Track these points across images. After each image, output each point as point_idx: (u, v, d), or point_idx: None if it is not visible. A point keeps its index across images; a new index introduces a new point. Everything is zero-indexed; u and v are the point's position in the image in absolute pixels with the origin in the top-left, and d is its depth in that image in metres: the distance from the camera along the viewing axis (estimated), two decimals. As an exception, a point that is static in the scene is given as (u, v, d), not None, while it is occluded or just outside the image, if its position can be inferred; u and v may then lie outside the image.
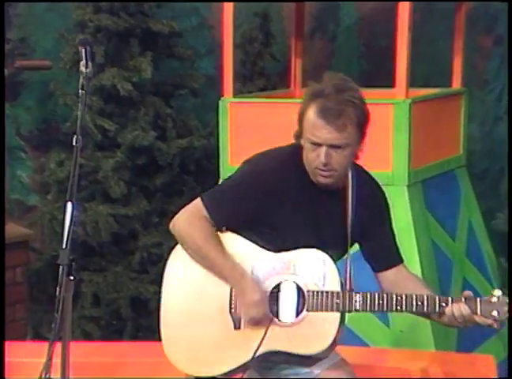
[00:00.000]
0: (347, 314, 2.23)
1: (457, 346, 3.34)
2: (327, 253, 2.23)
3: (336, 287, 2.21)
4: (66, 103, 4.41)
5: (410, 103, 3.35)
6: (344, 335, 3.04)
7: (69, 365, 2.04)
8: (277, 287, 2.23)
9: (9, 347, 2.76)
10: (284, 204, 2.24)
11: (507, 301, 2.15)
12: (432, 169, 3.56)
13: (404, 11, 3.31)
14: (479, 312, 2.14)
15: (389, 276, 2.33)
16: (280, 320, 2.21)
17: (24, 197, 4.89)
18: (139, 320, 4.38)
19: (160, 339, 2.27)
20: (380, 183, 3.24)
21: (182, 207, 2.31)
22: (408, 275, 2.35)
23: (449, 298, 2.19)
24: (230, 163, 3.64)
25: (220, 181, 2.44)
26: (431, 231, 3.45)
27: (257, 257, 2.24)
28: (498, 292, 2.16)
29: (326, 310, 2.19)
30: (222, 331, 2.25)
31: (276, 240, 2.23)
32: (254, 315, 2.20)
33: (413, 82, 3.47)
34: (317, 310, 2.20)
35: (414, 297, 2.19)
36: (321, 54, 4.69)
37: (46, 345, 1.98)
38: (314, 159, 2.21)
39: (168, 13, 4.78)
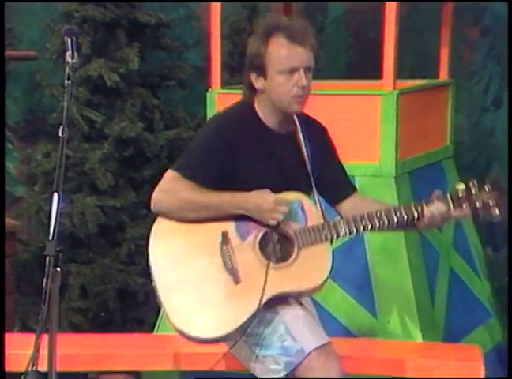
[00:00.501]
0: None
1: (444, 336, 3.35)
2: (292, 189, 2.33)
3: (319, 220, 2.33)
4: (53, 93, 4.38)
5: (397, 94, 3.35)
6: (331, 326, 3.06)
7: (56, 356, 2.03)
8: (264, 237, 2.31)
9: (-4, 338, 2.75)
10: (248, 154, 2.32)
11: (473, 191, 2.29)
12: (419, 160, 3.56)
13: (391, 2, 3.30)
14: (451, 207, 2.31)
15: (348, 205, 2.46)
16: (277, 263, 2.27)
17: (11, 188, 4.85)
18: (127, 311, 4.37)
19: (148, 331, 2.27)
20: (367, 174, 3.31)
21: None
22: (365, 199, 2.50)
23: (422, 203, 2.31)
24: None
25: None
26: (418, 222, 3.45)
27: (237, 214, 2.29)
28: (461, 186, 2.31)
29: (316, 243, 2.30)
30: (224, 289, 2.28)
31: (248, 191, 2.28)
32: (280, 213, 2.25)
33: (400, 73, 3.46)
34: (308, 245, 2.29)
35: (392, 210, 2.31)
36: (308, 45, 4.68)
37: (33, 337, 1.98)
38: (290, 88, 2.29)
39: (155, 4, 4.75)
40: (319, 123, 2.55)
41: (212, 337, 2.31)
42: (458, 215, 2.33)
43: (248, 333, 2.33)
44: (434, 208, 2.30)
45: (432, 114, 3.69)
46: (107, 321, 4.34)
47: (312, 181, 2.40)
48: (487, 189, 2.31)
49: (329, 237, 2.32)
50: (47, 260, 2.05)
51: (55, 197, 2.11)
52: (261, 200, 2.28)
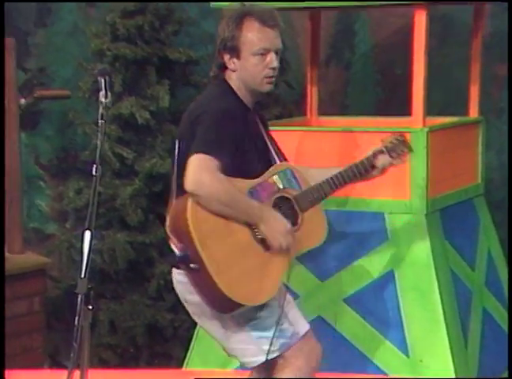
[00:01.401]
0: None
1: (478, 375, 3.28)
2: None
3: (308, 184, 2.55)
4: (85, 131, 4.42)
5: (427, 131, 3.32)
6: (361, 364, 3.00)
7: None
8: (275, 205, 2.48)
9: (27, 374, 2.74)
10: (243, 131, 2.44)
11: (397, 141, 2.67)
12: (450, 198, 3.52)
13: (420, 38, 3.29)
14: (389, 157, 2.64)
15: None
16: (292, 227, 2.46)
17: (43, 225, 4.88)
18: (155, 347, 4.35)
19: (176, 366, 2.25)
20: (397, 211, 3.33)
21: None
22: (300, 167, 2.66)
23: (370, 155, 2.64)
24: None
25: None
26: (449, 261, 3.40)
27: (248, 187, 2.45)
28: (386, 139, 2.67)
29: (315, 204, 2.54)
30: (259, 257, 2.43)
31: (251, 166, 2.46)
32: (286, 243, 2.42)
33: (429, 110, 3.44)
34: (309, 207, 2.52)
35: (352, 166, 2.61)
36: (336, 81, 4.68)
37: (63, 373, 1.97)
38: (262, 68, 2.42)
39: (185, 40, 4.79)
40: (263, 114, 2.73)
41: (256, 303, 2.44)
42: (397, 162, 2.67)
43: (241, 315, 2.44)
44: (382, 159, 2.64)
45: (462, 151, 3.66)
46: (136, 357, 4.31)
47: (276, 156, 2.57)
48: (400, 139, 2.71)
49: (320, 198, 2.55)
50: (79, 299, 2.05)
51: (87, 234, 2.11)
52: (277, 222, 2.44)
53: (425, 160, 3.30)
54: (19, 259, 3.97)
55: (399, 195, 3.33)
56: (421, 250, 3.26)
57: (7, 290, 3.41)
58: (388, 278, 3.31)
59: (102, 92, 2.26)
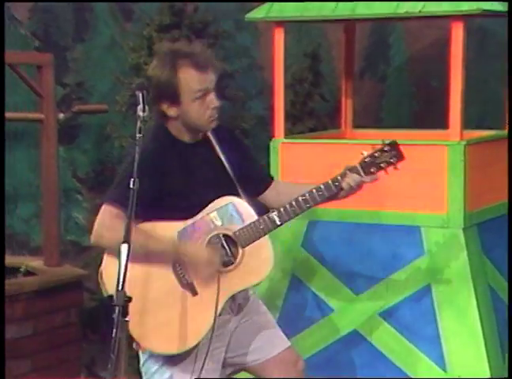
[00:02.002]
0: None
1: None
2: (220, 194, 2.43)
3: (253, 217, 2.45)
4: (122, 145, 4.44)
5: (465, 145, 3.27)
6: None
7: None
8: (209, 244, 2.41)
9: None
10: (174, 172, 2.41)
11: (377, 155, 2.49)
12: (487, 212, 3.45)
13: (457, 51, 3.25)
14: (362, 174, 2.50)
15: (270, 194, 2.60)
16: (226, 267, 2.39)
17: (80, 237, 4.90)
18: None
19: None
20: (435, 225, 3.24)
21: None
22: (285, 184, 2.68)
23: (337, 177, 2.51)
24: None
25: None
26: (487, 275, 3.34)
27: (178, 229, 2.40)
28: (364, 153, 2.52)
29: (257, 238, 2.42)
30: (185, 302, 2.39)
31: (183, 205, 2.40)
32: (210, 271, 2.36)
33: (466, 123, 3.39)
34: (250, 243, 2.41)
35: (314, 190, 2.47)
36: (371, 94, 4.65)
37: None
38: (204, 110, 2.42)
39: (219, 53, 4.81)
40: (225, 127, 2.65)
41: (177, 352, 2.41)
42: (370, 179, 2.53)
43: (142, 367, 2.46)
44: (350, 179, 2.49)
45: (500, 165, 3.59)
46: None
47: (234, 180, 2.51)
48: (386, 149, 2.52)
49: (266, 230, 2.43)
50: (116, 310, 2.05)
51: (124, 247, 2.13)
52: (199, 252, 2.38)
53: (462, 174, 3.24)
54: (56, 271, 3.99)
55: (436, 209, 3.28)
56: (458, 265, 3.20)
57: (45, 303, 3.43)
58: (425, 292, 3.25)
59: (140, 106, 2.29)
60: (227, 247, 2.42)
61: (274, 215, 2.43)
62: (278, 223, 2.44)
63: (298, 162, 3.56)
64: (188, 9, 4.58)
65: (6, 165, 4.74)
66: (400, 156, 2.52)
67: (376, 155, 2.51)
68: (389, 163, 2.51)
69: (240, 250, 2.41)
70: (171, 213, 2.41)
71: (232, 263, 2.41)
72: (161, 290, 2.38)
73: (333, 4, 3.42)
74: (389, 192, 3.32)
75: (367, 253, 3.39)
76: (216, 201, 2.43)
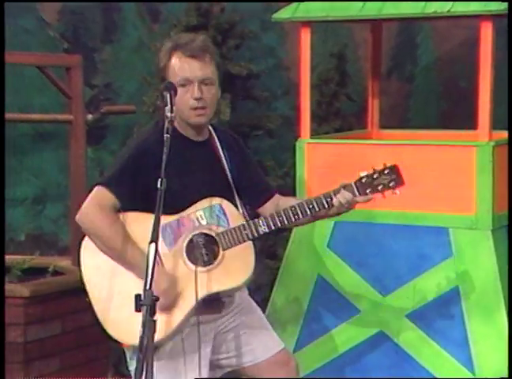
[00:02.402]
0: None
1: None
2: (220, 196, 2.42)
3: (240, 221, 2.41)
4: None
5: (493, 145, 3.22)
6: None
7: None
8: (191, 242, 2.39)
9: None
10: (170, 166, 2.32)
11: (375, 176, 2.41)
12: (515, 214, 3.41)
13: (486, 51, 3.20)
14: (356, 194, 2.43)
15: (270, 207, 2.55)
16: (204, 267, 2.35)
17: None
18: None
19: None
20: (463, 226, 3.18)
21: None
22: (286, 199, 2.58)
23: (331, 192, 2.43)
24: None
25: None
26: (516, 277, 3.29)
27: (163, 222, 2.33)
28: (363, 173, 2.45)
29: (239, 243, 2.38)
30: None
31: (176, 202, 2.36)
32: (163, 302, 2.28)
33: (495, 124, 3.33)
34: (232, 246, 2.38)
35: (304, 203, 2.41)
36: (398, 94, 4.60)
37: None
38: (187, 100, 2.37)
39: (246, 54, 4.79)
40: (231, 133, 2.66)
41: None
42: (363, 200, 2.46)
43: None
44: (341, 196, 2.42)
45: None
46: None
47: (232, 185, 2.49)
48: (386, 172, 2.45)
49: (250, 236, 2.39)
50: (144, 310, 2.06)
51: (152, 247, 2.13)
52: (156, 280, 2.25)
53: (491, 175, 3.19)
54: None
55: (464, 210, 3.23)
56: (487, 266, 3.15)
57: (73, 302, 3.45)
58: (453, 294, 3.21)
59: (167, 107, 2.28)
60: (205, 248, 2.39)
61: (260, 222, 2.40)
62: (263, 230, 2.40)
63: (324, 162, 3.54)
64: (215, 10, 4.57)
65: (36, 166, 4.79)
66: (399, 181, 2.46)
67: (374, 176, 2.45)
68: (386, 187, 2.45)
69: (221, 252, 2.38)
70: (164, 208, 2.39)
71: (211, 263, 2.38)
72: (136, 280, 2.36)
73: (359, 4, 3.39)
74: (417, 193, 3.28)
75: (394, 254, 3.36)
76: (205, 200, 2.41)
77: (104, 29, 5.02)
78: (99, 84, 4.95)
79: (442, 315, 3.20)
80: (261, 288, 4.02)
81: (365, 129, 4.06)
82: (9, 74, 4.76)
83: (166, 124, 2.27)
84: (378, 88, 4.00)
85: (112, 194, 2.38)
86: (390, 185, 2.44)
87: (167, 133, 2.25)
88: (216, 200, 2.41)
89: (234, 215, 2.42)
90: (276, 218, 2.40)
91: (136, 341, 2.29)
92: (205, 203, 2.41)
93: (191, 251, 2.40)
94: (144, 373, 2.05)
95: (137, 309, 2.08)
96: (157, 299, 2.09)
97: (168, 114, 2.28)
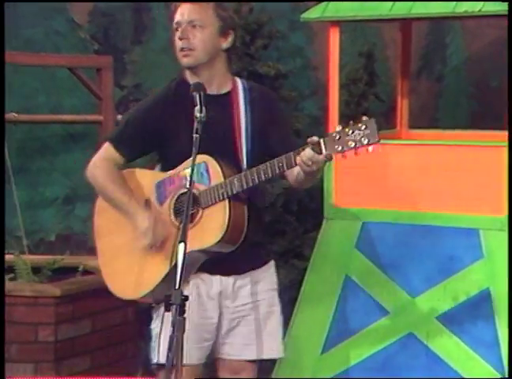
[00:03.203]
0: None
1: None
2: (211, 154, 2.36)
3: (220, 179, 2.37)
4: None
5: (525, 145, 3.16)
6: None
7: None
8: (178, 200, 2.42)
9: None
10: (177, 118, 2.39)
11: (352, 131, 2.19)
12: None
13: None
14: (324, 151, 2.22)
15: (295, 170, 2.39)
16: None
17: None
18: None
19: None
20: (493, 228, 3.07)
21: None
22: None
23: (300, 149, 2.28)
24: (335, 204, 3.53)
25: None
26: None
27: (157, 180, 2.44)
28: (338, 128, 2.22)
29: (216, 201, 2.36)
30: (142, 252, 2.43)
31: (177, 158, 2.39)
32: (146, 241, 2.39)
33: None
34: (210, 204, 2.37)
35: (275, 162, 2.30)
36: (428, 94, 4.54)
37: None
38: (177, 42, 2.38)
39: (273, 54, 4.76)
40: (266, 90, 2.57)
41: (131, 297, 2.53)
42: (328, 158, 2.25)
43: None
44: (304, 154, 2.26)
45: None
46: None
47: (243, 143, 2.42)
48: (361, 127, 2.21)
49: (225, 195, 2.37)
50: (173, 309, 2.04)
51: (181, 246, 2.11)
52: (139, 219, 2.42)
53: (522, 175, 3.13)
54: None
55: (495, 211, 3.16)
56: (518, 269, 3.09)
57: (102, 301, 3.44)
58: (483, 296, 3.14)
59: (197, 107, 2.26)
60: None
61: (235, 180, 2.36)
62: (236, 189, 2.35)
63: (352, 162, 3.48)
64: (243, 10, 4.55)
65: (66, 167, 4.81)
66: (373, 137, 2.19)
67: (347, 131, 2.20)
68: (358, 143, 2.19)
69: (200, 210, 2.38)
70: (164, 160, 2.47)
71: (192, 222, 2.36)
72: (130, 235, 2.45)
73: (389, 3, 3.33)
74: (447, 193, 3.22)
75: (424, 256, 3.30)
76: (192, 158, 2.32)
77: (134, 30, 5.04)
78: (128, 85, 4.96)
79: (472, 317, 3.14)
80: (288, 288, 3.99)
81: (394, 129, 4.00)
82: (41, 75, 4.79)
83: (195, 124, 2.25)
84: (407, 88, 3.94)
85: (115, 150, 2.47)
86: (363, 141, 2.19)
87: (197, 132, 2.23)
88: (201, 158, 2.34)
89: (215, 173, 2.38)
90: (249, 176, 2.34)
91: (120, 293, 2.50)
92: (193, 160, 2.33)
93: (178, 209, 2.43)
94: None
95: (167, 310, 2.07)
96: (186, 298, 2.06)
97: (198, 115, 2.25)
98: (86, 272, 3.79)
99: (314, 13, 3.51)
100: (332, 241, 3.50)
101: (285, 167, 2.30)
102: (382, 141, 3.57)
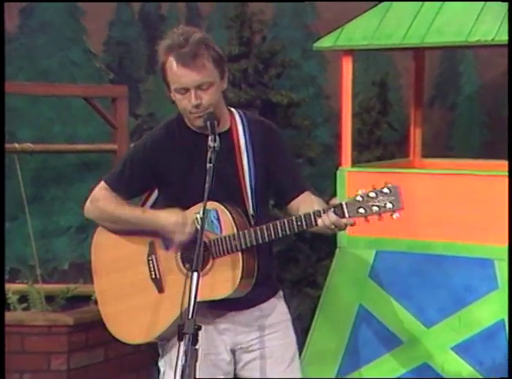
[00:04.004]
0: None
1: None
2: (216, 196, 2.28)
3: (232, 230, 2.31)
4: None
5: (536, 175, 3.13)
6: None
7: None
8: (186, 247, 2.32)
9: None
10: (177, 162, 2.34)
11: (376, 195, 2.16)
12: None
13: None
14: (346, 215, 2.18)
15: (297, 205, 2.38)
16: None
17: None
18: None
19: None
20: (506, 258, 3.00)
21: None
22: (309, 200, 2.38)
23: (321, 210, 2.23)
24: (348, 233, 3.51)
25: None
26: None
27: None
28: (360, 191, 2.19)
29: (229, 253, 2.29)
30: (149, 297, 2.36)
31: (182, 198, 2.33)
32: (181, 237, 2.29)
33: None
34: (222, 255, 2.30)
35: (294, 220, 2.26)
36: (441, 122, 4.53)
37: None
38: (186, 105, 2.31)
39: (286, 82, 4.78)
40: (267, 123, 2.47)
41: (135, 342, 2.44)
42: (350, 222, 2.21)
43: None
44: (326, 218, 2.21)
45: None
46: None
47: (247, 180, 2.37)
48: (385, 192, 2.17)
49: (238, 247, 2.30)
50: (186, 338, 2.02)
51: (195, 276, 2.09)
52: (166, 221, 2.33)
53: (537, 205, 3.10)
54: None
55: (510, 241, 3.14)
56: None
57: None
58: (498, 327, 3.10)
59: (211, 137, 2.25)
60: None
61: (251, 233, 2.29)
62: (252, 243, 2.28)
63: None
64: (256, 39, 4.58)
65: (80, 195, 4.79)
66: (398, 204, 2.15)
67: (371, 195, 2.17)
68: (382, 209, 2.16)
69: (211, 259, 2.30)
70: (168, 201, 2.38)
71: (201, 270, 2.24)
72: (133, 277, 2.38)
73: (402, 32, 3.34)
74: (460, 222, 3.20)
75: (438, 285, 3.26)
76: (202, 204, 2.27)
77: (148, 60, 5.07)
78: (142, 114, 4.98)
79: (487, 348, 3.09)
80: (301, 317, 3.96)
81: (407, 158, 3.98)
82: (56, 105, 4.83)
83: (209, 154, 2.23)
84: (420, 117, 3.93)
85: (111, 190, 2.41)
86: (387, 206, 2.16)
87: (210, 162, 2.22)
88: (212, 205, 2.28)
89: (227, 222, 2.32)
90: (265, 232, 2.28)
91: (124, 337, 2.42)
92: (202, 206, 2.26)
93: (187, 256, 2.35)
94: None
95: (180, 339, 2.05)
96: (199, 328, 2.04)
97: (211, 144, 2.24)
98: (99, 300, 3.77)
99: (326, 42, 3.51)
100: (345, 270, 3.47)
101: (305, 227, 2.25)
102: (394, 170, 3.61)
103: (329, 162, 4.28)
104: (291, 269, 4.29)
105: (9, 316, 3.56)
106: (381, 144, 4.46)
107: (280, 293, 2.52)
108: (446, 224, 3.28)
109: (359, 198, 2.17)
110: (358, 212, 2.17)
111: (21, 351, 3.48)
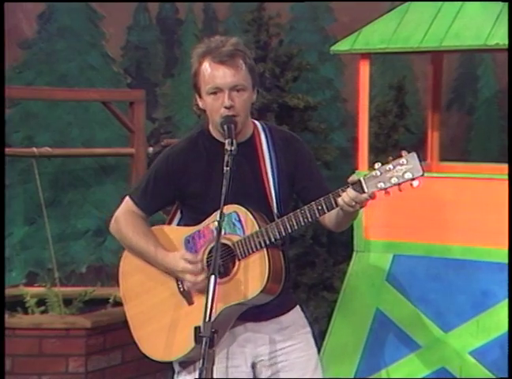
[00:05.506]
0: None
1: None
2: (240, 203, 2.28)
3: (254, 228, 2.27)
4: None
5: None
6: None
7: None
8: (210, 253, 2.29)
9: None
10: (200, 173, 2.32)
11: (393, 166, 2.11)
12: None
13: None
14: (366, 190, 2.14)
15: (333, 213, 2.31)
16: (221, 279, 2.21)
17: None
18: None
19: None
20: None
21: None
22: None
23: (340, 190, 2.20)
24: (365, 237, 3.50)
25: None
26: None
27: (186, 234, 2.34)
28: (377, 164, 2.14)
29: (253, 251, 2.26)
30: (180, 311, 2.32)
31: (205, 208, 2.30)
32: (189, 279, 2.27)
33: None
34: (247, 255, 2.27)
35: (313, 205, 2.22)
36: (458, 126, 4.51)
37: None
38: (218, 107, 2.26)
39: (303, 86, 4.78)
40: (289, 133, 2.47)
41: (176, 358, 2.35)
42: (369, 196, 2.16)
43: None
44: (346, 195, 2.17)
45: None
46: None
47: (272, 188, 2.34)
48: (402, 162, 2.11)
49: (263, 244, 2.26)
50: (203, 342, 2.01)
51: (212, 279, 2.08)
52: (172, 264, 2.32)
53: (557, 209, 3.07)
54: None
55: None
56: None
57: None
58: (515, 333, 3.08)
59: (228, 140, 2.24)
60: (222, 258, 2.24)
61: (273, 226, 2.25)
62: (276, 237, 2.24)
63: (382, 195, 3.46)
64: (273, 43, 4.59)
65: (97, 199, 4.83)
66: (417, 171, 2.09)
67: (388, 167, 2.12)
68: (401, 179, 2.10)
69: (237, 262, 2.27)
70: (191, 214, 2.37)
71: (228, 275, 2.26)
72: (161, 295, 2.35)
73: (420, 35, 3.31)
74: (478, 227, 3.16)
75: (456, 290, 3.23)
76: (223, 208, 2.24)
77: (166, 64, 5.09)
78: (159, 118, 5.00)
79: (505, 352, 3.06)
80: (318, 321, 3.94)
81: (424, 162, 3.96)
82: (75, 109, 4.86)
83: (226, 157, 2.23)
84: (438, 120, 3.90)
85: (135, 205, 2.40)
86: (406, 176, 2.09)
87: (227, 165, 2.21)
88: (231, 208, 2.26)
89: (249, 222, 2.28)
90: (287, 223, 2.24)
91: (162, 357, 2.35)
92: (223, 211, 2.24)
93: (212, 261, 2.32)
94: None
95: (197, 342, 2.04)
96: (216, 332, 2.02)
97: (228, 148, 2.22)
98: (117, 303, 3.79)
99: (343, 45, 3.50)
100: (362, 273, 3.46)
101: (325, 210, 2.20)
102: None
103: (345, 165, 4.26)
104: (308, 273, 4.28)
105: (27, 319, 3.58)
106: (398, 147, 4.43)
107: (298, 307, 2.48)
108: (465, 228, 3.25)
109: (377, 172, 2.13)
110: (377, 186, 2.13)
111: (39, 354, 3.49)
